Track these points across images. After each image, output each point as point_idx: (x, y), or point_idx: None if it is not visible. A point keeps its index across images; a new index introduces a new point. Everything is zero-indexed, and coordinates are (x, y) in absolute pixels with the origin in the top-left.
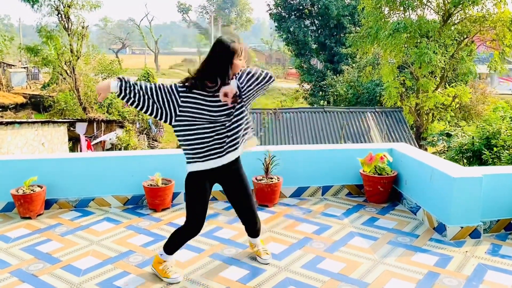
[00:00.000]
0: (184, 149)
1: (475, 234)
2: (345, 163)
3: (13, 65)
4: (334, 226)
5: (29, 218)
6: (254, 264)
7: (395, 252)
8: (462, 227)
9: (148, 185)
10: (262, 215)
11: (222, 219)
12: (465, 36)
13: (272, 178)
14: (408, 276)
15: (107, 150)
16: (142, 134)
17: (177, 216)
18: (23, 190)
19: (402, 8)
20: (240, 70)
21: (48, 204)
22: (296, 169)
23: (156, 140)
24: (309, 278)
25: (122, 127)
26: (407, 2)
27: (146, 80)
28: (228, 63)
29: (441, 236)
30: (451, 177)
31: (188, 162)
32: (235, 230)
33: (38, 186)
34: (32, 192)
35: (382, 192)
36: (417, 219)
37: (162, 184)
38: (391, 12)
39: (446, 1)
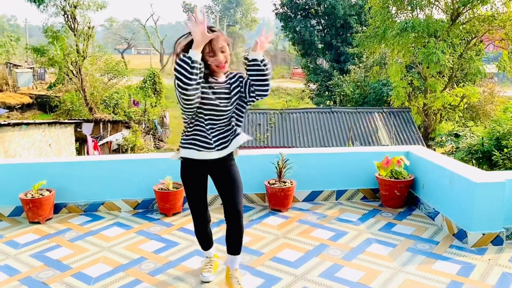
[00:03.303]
0: None
1: (497, 241)
2: (359, 167)
3: (20, 66)
4: (351, 232)
5: (38, 223)
6: (269, 271)
7: (415, 259)
8: (484, 234)
9: (159, 189)
10: (275, 220)
11: None
12: (473, 36)
13: (285, 182)
14: (431, 286)
15: (114, 150)
16: (148, 134)
17: (189, 221)
18: (32, 195)
19: (409, 8)
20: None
21: (57, 208)
22: (310, 172)
23: (161, 141)
24: None
25: (128, 127)
26: (415, 1)
27: (152, 80)
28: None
29: (461, 243)
30: (472, 182)
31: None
32: (249, 236)
33: (47, 190)
34: (41, 196)
35: (398, 196)
36: (436, 224)
37: (173, 188)
38: (399, 11)
39: (455, 0)
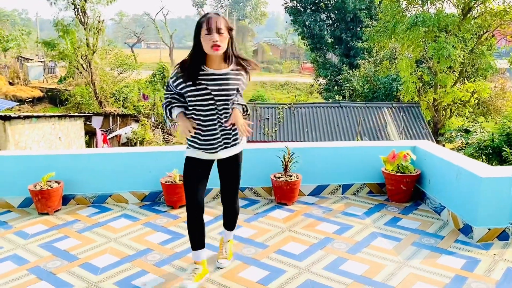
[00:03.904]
0: None
1: (503, 236)
2: (366, 161)
3: (30, 59)
4: (356, 226)
5: (47, 214)
6: (274, 264)
7: (420, 254)
8: (489, 229)
9: (166, 182)
10: (280, 213)
11: (240, 217)
12: (485, 30)
13: (291, 176)
14: (435, 280)
15: (123, 144)
16: (157, 128)
17: None
18: (41, 186)
19: (420, 2)
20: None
21: (65, 200)
22: (316, 166)
23: (170, 134)
24: (332, 281)
25: (137, 121)
26: None
27: (161, 74)
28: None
29: (467, 238)
30: (479, 177)
31: None
32: (254, 229)
33: (56, 181)
34: (49, 188)
35: (404, 191)
36: (441, 219)
37: (179, 180)
38: (409, 5)
39: None
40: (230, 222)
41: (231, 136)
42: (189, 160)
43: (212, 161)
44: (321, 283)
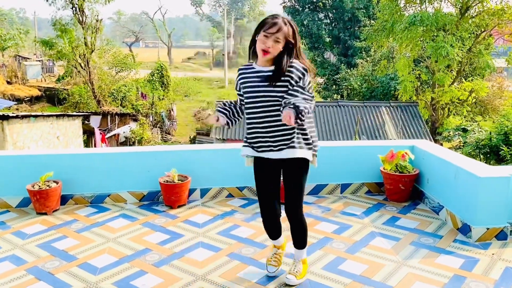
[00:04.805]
0: None
1: (501, 235)
2: (364, 160)
3: (28, 58)
4: (355, 225)
5: (45, 214)
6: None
7: (419, 253)
8: (488, 228)
9: (164, 181)
10: None
11: (239, 217)
12: (483, 30)
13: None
14: (433, 280)
15: (121, 143)
16: (156, 127)
17: (194, 213)
18: (39, 186)
19: (418, 1)
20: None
21: (63, 199)
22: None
23: (169, 133)
24: (331, 280)
25: (135, 120)
26: None
27: (159, 73)
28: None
29: (465, 238)
30: (477, 177)
31: None
32: (252, 228)
33: (54, 181)
34: (48, 187)
35: (403, 190)
36: (440, 219)
37: (178, 180)
38: (407, 5)
39: None
40: (294, 237)
41: (276, 137)
42: (248, 160)
43: (272, 163)
44: (320, 283)
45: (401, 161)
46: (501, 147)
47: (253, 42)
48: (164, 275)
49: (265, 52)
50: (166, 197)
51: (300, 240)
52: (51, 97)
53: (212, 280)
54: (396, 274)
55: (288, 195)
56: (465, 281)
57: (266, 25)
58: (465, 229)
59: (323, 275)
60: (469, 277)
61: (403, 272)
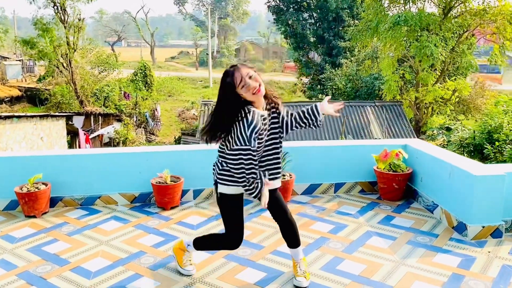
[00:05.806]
0: None
1: (496, 233)
2: (358, 160)
3: (8, 58)
4: (350, 225)
5: (34, 216)
6: (271, 265)
7: (416, 252)
8: (483, 227)
9: (157, 183)
10: None
11: None
12: (465, 30)
13: (284, 175)
14: (432, 279)
15: (105, 144)
16: (140, 127)
17: (187, 215)
18: (28, 188)
19: (402, 1)
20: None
21: (53, 202)
22: (309, 165)
23: (153, 134)
24: (330, 281)
25: (119, 120)
26: None
27: (143, 73)
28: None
29: (461, 236)
30: (472, 175)
31: None
32: (249, 229)
33: (43, 183)
34: (36, 190)
35: (397, 189)
36: (435, 217)
37: (171, 181)
38: (391, 5)
39: None
40: (288, 238)
41: (278, 164)
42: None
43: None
44: (320, 284)
45: (394, 160)
46: (485, 146)
47: (231, 106)
48: (160, 278)
49: (258, 90)
50: (158, 198)
51: (296, 237)
52: (32, 97)
53: (210, 283)
54: (395, 274)
55: (282, 203)
56: (463, 279)
57: (237, 75)
58: (460, 228)
59: (322, 276)
60: (467, 275)
61: (402, 272)
